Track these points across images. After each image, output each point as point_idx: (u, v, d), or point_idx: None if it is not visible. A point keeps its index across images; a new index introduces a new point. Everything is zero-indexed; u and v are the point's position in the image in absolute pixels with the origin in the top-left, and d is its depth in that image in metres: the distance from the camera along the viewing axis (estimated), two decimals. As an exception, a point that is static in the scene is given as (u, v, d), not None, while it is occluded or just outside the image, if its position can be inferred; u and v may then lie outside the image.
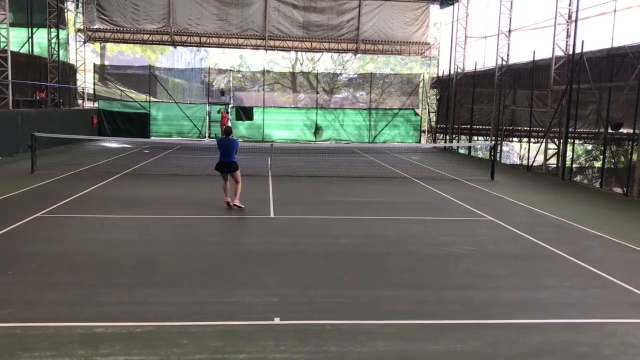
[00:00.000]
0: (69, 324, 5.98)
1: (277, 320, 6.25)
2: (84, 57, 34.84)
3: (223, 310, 6.54)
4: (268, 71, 40.22)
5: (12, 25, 25.57)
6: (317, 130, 35.39)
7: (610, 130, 18.76)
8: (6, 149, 21.26)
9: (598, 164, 23.99)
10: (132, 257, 8.67)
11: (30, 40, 28.25)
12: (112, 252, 8.92)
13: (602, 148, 19.83)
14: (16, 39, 26.92)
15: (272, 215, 12.33)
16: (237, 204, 12.45)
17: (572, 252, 9.58)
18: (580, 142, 25.32)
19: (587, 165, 26.80)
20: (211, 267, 8.30)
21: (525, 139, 26.13)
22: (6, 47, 24.01)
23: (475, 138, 31.36)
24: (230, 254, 9.02)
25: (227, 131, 13.20)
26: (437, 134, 35.55)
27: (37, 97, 27.67)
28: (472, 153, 31.34)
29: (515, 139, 29.17)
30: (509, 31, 26.56)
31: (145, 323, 6.07)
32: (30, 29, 28.34)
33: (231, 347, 5.54)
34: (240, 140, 34.44)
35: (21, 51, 27.45)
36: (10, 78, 24.03)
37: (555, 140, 22.00)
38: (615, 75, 18.16)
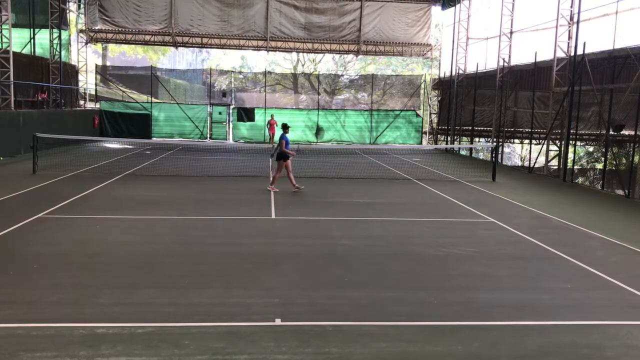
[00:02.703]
0: (71, 325, 5.99)
1: (278, 321, 6.26)
2: (86, 58, 34.90)
3: (224, 311, 6.54)
4: (269, 72, 40.27)
5: (15, 26, 25.64)
6: (319, 131, 35.39)
7: (611, 132, 18.73)
8: (8, 150, 21.30)
9: (600, 166, 23.96)
10: (133, 258, 8.67)
11: (32, 41, 28.30)
12: (113, 253, 8.93)
13: (603, 150, 19.81)
14: (18, 40, 26.98)
15: (273, 216, 12.33)
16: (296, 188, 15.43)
17: (573, 253, 9.57)
18: (581, 144, 25.29)
19: (588, 167, 26.76)
20: (212, 268, 8.30)
21: (527, 141, 26.12)
22: (8, 48, 24.05)
23: (477, 139, 31.34)
24: (231, 255, 9.02)
25: (283, 126, 15.67)
26: (439, 136, 35.55)
27: (39, 99, 27.73)
28: (474, 154, 31.34)
29: (516, 141, 29.15)
30: (511, 33, 26.57)
31: (147, 324, 6.08)
32: (32, 29, 28.40)
33: (232, 348, 5.54)
34: (241, 141, 34.64)
35: (23, 52, 27.51)
36: (12, 79, 24.06)
37: (557, 141, 21.99)
38: (617, 76, 18.12)
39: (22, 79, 25.70)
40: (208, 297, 7.03)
